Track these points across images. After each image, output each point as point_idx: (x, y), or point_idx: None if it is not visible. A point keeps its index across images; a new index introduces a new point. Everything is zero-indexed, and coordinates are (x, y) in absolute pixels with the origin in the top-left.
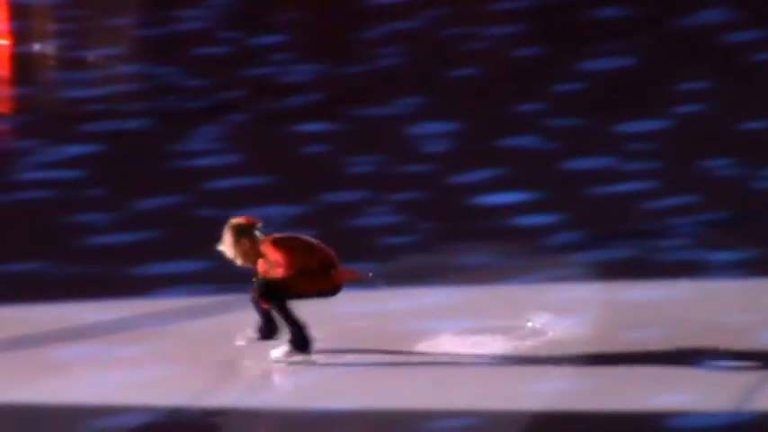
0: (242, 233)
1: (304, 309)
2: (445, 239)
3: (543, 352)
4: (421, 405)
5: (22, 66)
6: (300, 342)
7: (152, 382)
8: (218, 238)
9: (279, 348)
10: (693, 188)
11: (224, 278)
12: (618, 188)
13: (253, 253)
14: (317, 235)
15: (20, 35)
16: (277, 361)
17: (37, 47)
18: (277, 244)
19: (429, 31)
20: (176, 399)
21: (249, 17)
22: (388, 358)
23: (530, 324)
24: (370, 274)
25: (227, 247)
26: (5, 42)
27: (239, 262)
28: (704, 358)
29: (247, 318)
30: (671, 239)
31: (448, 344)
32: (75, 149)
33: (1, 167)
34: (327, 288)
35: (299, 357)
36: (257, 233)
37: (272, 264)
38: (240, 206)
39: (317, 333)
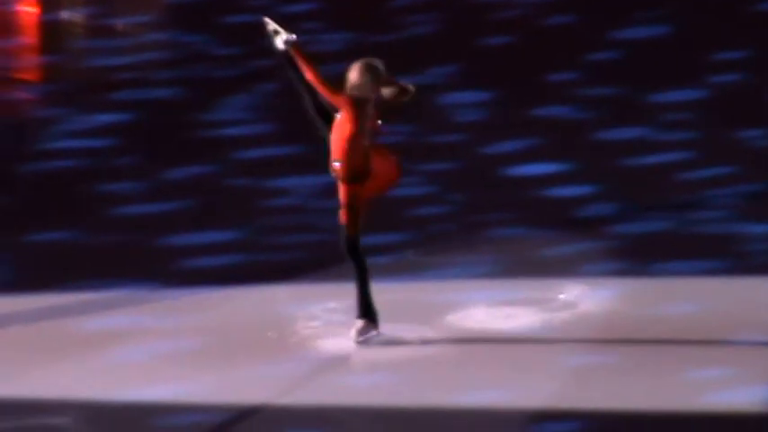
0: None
1: (330, 283)
2: (476, 210)
3: (575, 325)
4: (451, 378)
5: (50, 33)
6: (372, 315)
7: (184, 353)
8: (248, 208)
9: (354, 328)
10: (730, 159)
11: (255, 247)
12: (653, 159)
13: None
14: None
15: (48, 2)
16: (358, 342)
17: (65, 14)
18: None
19: None
20: (212, 372)
21: None
22: (417, 330)
23: (562, 296)
24: (410, 254)
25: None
26: (33, 10)
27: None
28: (740, 332)
29: (280, 292)
30: (707, 211)
31: (478, 316)
32: (103, 118)
33: (29, 136)
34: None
35: (372, 333)
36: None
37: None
38: (270, 176)
39: (344, 304)
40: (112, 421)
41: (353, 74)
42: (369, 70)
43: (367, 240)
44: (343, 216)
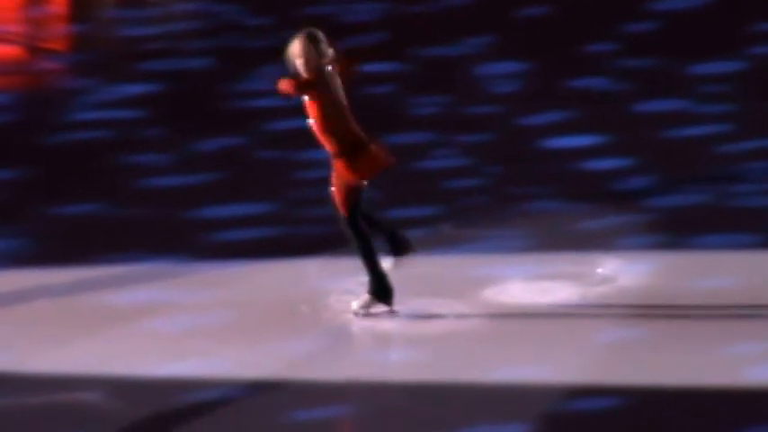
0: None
1: (346, 258)
2: (512, 183)
3: (612, 299)
4: (485, 353)
5: (80, 2)
6: (381, 291)
7: (213, 328)
8: (278, 180)
9: (358, 299)
10: None
11: (285, 220)
12: (690, 131)
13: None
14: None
15: None
16: (356, 313)
17: None
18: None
19: None
20: (242, 346)
21: None
22: (452, 305)
23: (598, 271)
24: (445, 227)
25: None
26: None
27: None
28: None
29: (311, 266)
30: (745, 184)
31: (514, 290)
32: (132, 89)
33: (58, 107)
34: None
35: (379, 308)
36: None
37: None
38: (302, 147)
39: None
40: (140, 396)
41: (296, 47)
42: (311, 40)
43: (402, 213)
44: (335, 195)
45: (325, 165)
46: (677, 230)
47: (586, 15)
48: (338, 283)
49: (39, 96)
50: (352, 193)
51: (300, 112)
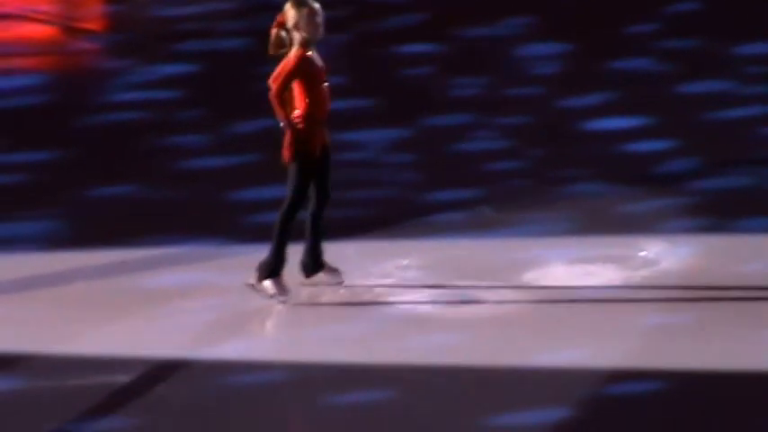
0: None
1: (403, 239)
2: (554, 166)
3: (655, 283)
4: (527, 337)
5: None
6: (276, 268)
7: (252, 311)
8: None
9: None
10: None
11: None
12: (735, 113)
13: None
14: (420, 159)
15: None
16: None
17: None
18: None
19: None
20: (280, 330)
21: None
22: (493, 288)
23: (641, 254)
24: (486, 210)
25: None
26: None
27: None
28: None
29: (350, 248)
30: None
31: (556, 274)
32: (170, 69)
33: (94, 88)
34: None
35: (274, 290)
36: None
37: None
38: (341, 129)
39: (417, 262)
40: (180, 379)
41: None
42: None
43: (442, 196)
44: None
45: (362, 147)
46: (720, 214)
47: None
48: (378, 265)
49: (75, 77)
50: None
51: (338, 92)
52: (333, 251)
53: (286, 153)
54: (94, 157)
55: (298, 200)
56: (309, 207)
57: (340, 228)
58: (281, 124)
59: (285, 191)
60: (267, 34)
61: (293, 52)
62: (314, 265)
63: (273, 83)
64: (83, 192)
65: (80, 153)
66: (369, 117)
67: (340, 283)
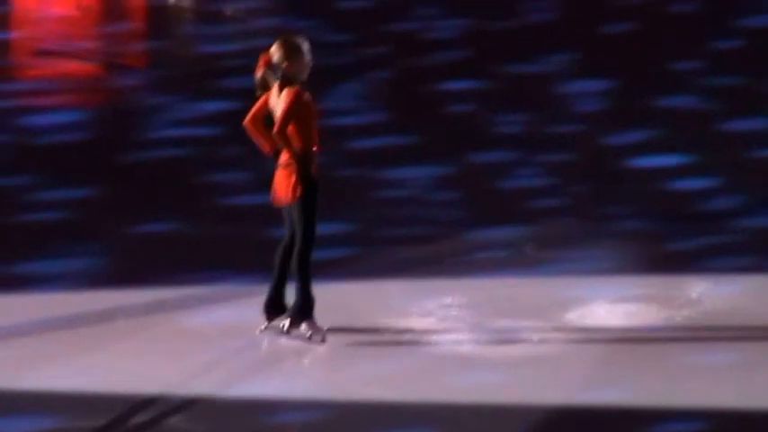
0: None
1: (445, 277)
2: (597, 203)
3: (699, 322)
4: (570, 375)
5: (158, 18)
6: (308, 309)
7: (292, 349)
8: (359, 199)
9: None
10: None
11: (366, 240)
12: None
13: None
14: (463, 196)
15: None
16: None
17: None
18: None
19: None
20: (322, 368)
21: None
22: (536, 326)
23: (685, 293)
24: (528, 247)
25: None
26: None
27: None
28: None
29: (392, 286)
30: None
31: (599, 312)
32: (210, 106)
33: (135, 124)
34: None
35: (309, 331)
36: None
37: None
38: (383, 166)
39: (459, 300)
40: (219, 417)
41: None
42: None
43: (485, 233)
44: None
45: (405, 184)
46: (764, 252)
47: (673, 32)
48: (419, 304)
49: (116, 114)
50: None
51: (381, 129)
52: (376, 289)
53: (296, 190)
54: (135, 193)
55: (311, 237)
56: (282, 243)
57: (382, 265)
58: (281, 162)
59: (327, 228)
60: (311, 71)
61: (289, 90)
62: (278, 307)
63: (281, 116)
64: (123, 228)
65: (121, 189)
66: (412, 154)
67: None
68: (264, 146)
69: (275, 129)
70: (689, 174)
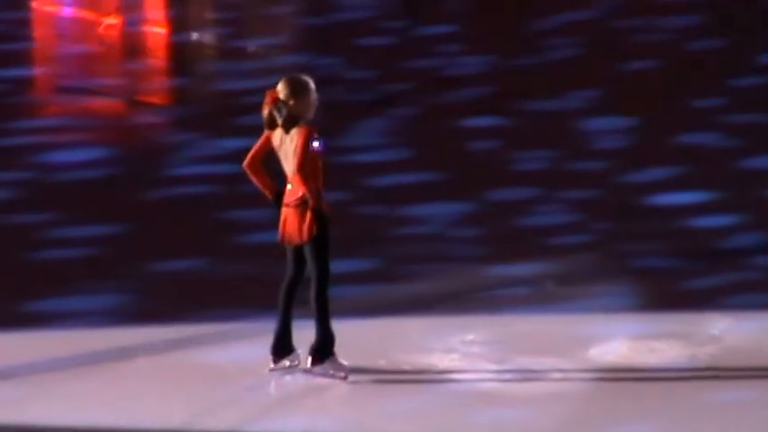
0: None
1: (467, 314)
2: (618, 240)
3: (722, 360)
4: (592, 413)
5: (179, 55)
6: (328, 346)
7: (313, 386)
8: (380, 235)
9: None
10: None
11: (388, 277)
12: None
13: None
14: (485, 233)
15: (177, 23)
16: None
17: (194, 36)
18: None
19: (603, 21)
20: (344, 405)
21: (415, 6)
22: (558, 363)
23: (707, 330)
24: (550, 284)
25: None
26: (162, 31)
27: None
28: None
29: (414, 323)
30: None
31: (621, 349)
32: (232, 143)
33: (157, 161)
34: None
35: (331, 368)
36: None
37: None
38: (404, 203)
39: (481, 336)
40: None
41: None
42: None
43: (507, 270)
44: None
45: (428, 220)
46: None
47: (694, 69)
48: (441, 340)
49: (138, 151)
50: None
51: (402, 166)
52: (396, 325)
53: (311, 229)
54: (157, 230)
55: (326, 274)
56: (286, 281)
57: (403, 302)
58: (290, 202)
59: (349, 264)
60: (326, 109)
61: (300, 129)
62: (285, 347)
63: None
64: (146, 265)
65: (143, 226)
66: (434, 190)
67: (296, 366)
68: (265, 189)
69: (296, 170)
70: (710, 211)
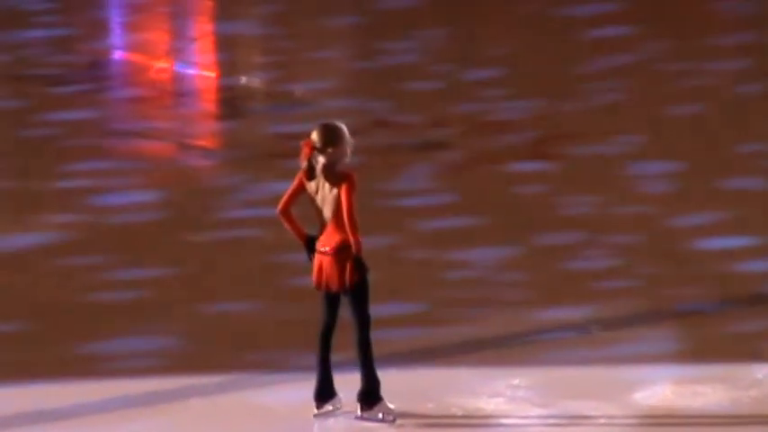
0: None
1: (513, 358)
2: (663, 284)
3: (766, 405)
4: None
5: (229, 99)
6: (375, 391)
7: (361, 429)
8: (427, 279)
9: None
10: None
11: (435, 321)
12: None
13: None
14: (530, 277)
15: (226, 67)
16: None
17: (244, 79)
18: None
19: (648, 65)
20: None
21: (461, 51)
22: (602, 407)
23: (752, 375)
24: (594, 328)
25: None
26: (212, 74)
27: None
28: None
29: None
30: None
31: (665, 393)
32: (281, 186)
33: (208, 204)
34: None
35: (380, 412)
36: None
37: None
38: (451, 247)
39: (527, 381)
40: None
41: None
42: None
43: (552, 314)
44: None
45: (472, 265)
46: None
47: (740, 114)
48: (487, 384)
49: (189, 193)
50: None
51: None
52: (443, 370)
53: (353, 277)
54: (208, 273)
55: (368, 320)
56: (322, 327)
57: (451, 346)
58: (328, 249)
59: (396, 308)
60: (374, 152)
61: (345, 177)
62: (327, 393)
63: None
64: (196, 308)
65: (193, 269)
66: (481, 234)
67: (339, 409)
68: (297, 235)
69: (345, 219)
70: (755, 255)
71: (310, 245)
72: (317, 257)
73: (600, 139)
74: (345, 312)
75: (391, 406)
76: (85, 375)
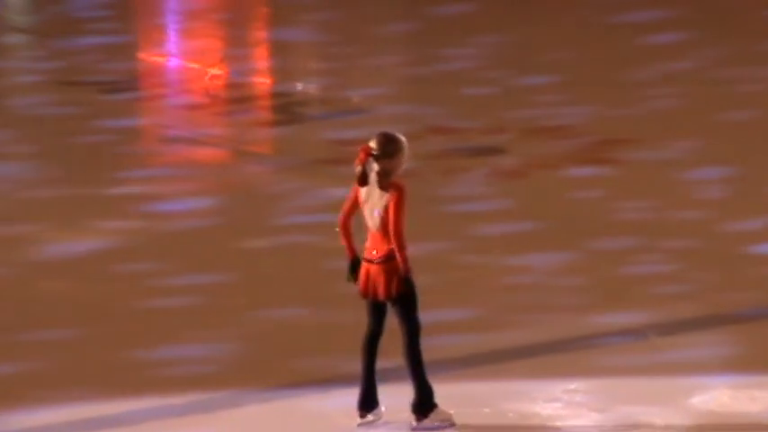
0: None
1: (570, 363)
2: (719, 289)
3: None
4: None
5: (284, 105)
6: (429, 399)
7: None
8: (486, 285)
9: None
10: None
11: (487, 325)
12: None
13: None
14: (586, 282)
15: (281, 74)
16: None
17: (299, 86)
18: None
19: (704, 71)
20: None
21: (517, 57)
22: (660, 413)
23: None
24: (651, 334)
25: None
26: (266, 81)
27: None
28: None
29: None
30: None
31: (722, 399)
32: (337, 192)
33: (263, 210)
34: None
35: (436, 420)
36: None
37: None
38: (507, 253)
39: (584, 386)
40: None
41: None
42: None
43: (608, 319)
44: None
45: (529, 270)
46: None
47: None
48: (544, 389)
49: (244, 200)
50: None
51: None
52: (499, 374)
53: (400, 286)
54: (263, 279)
55: (416, 329)
56: (367, 335)
57: (506, 352)
58: (375, 258)
59: (451, 314)
60: (434, 157)
61: (395, 186)
62: (371, 402)
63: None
64: (251, 314)
65: (248, 276)
66: (535, 240)
67: (379, 420)
68: (348, 251)
69: (392, 232)
70: None
71: (354, 265)
72: (364, 265)
73: (655, 145)
74: (393, 321)
75: (450, 411)
76: (138, 382)
